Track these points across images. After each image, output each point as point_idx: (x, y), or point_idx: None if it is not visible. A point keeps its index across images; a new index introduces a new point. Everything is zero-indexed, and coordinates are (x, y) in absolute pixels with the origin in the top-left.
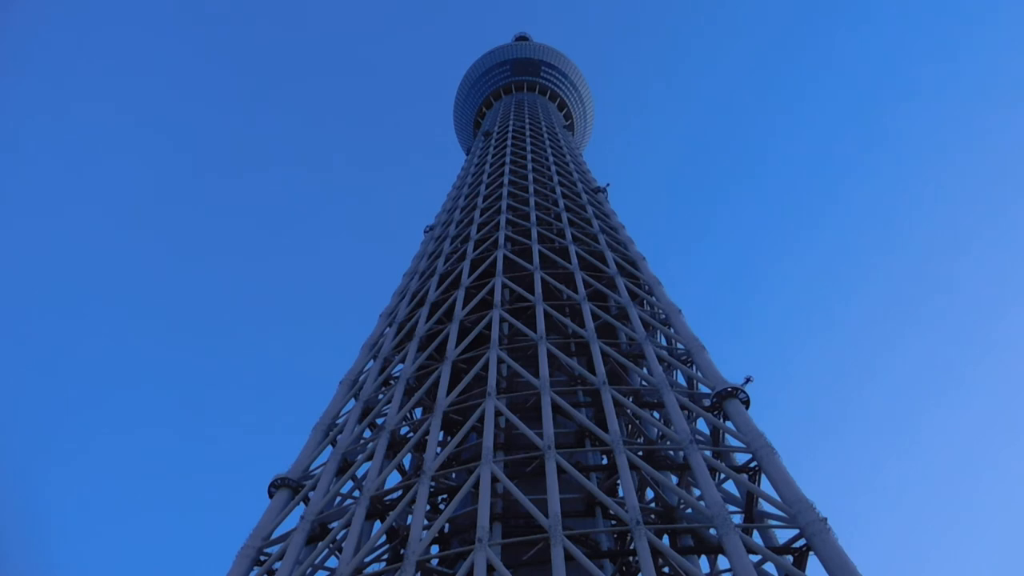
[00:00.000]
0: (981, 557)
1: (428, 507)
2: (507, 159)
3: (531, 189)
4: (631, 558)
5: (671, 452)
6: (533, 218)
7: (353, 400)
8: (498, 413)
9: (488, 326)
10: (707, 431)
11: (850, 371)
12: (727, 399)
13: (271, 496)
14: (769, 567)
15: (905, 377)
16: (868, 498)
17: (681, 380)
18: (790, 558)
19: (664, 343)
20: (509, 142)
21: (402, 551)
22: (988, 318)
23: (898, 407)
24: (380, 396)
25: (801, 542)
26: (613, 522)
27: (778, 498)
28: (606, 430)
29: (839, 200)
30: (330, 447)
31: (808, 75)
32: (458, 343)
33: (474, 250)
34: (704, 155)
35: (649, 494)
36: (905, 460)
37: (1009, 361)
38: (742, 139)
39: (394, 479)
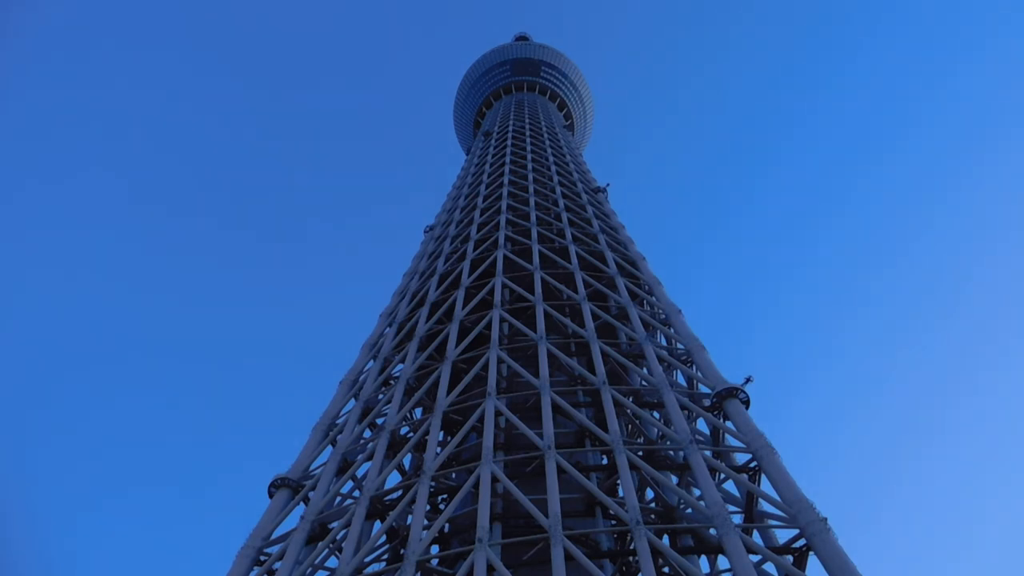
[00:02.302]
0: (984, 560)
1: (428, 507)
2: (507, 159)
3: (531, 189)
4: (631, 558)
5: (671, 452)
6: (533, 218)
7: (353, 400)
8: (498, 413)
9: (488, 326)
10: (707, 431)
11: (860, 372)
12: (727, 399)
13: (271, 496)
14: (769, 567)
15: (912, 379)
16: (871, 498)
17: (681, 380)
18: (790, 558)
19: (664, 343)
20: (509, 142)
21: (402, 551)
22: (1002, 321)
23: (906, 408)
24: (380, 396)
25: (801, 542)
26: (613, 522)
27: (778, 498)
28: (606, 430)
29: (847, 199)
30: (330, 447)
31: (815, 73)
32: (458, 343)
33: (474, 250)
34: (707, 154)
35: (649, 494)
36: (913, 461)
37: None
38: (745, 137)
39: (394, 479)
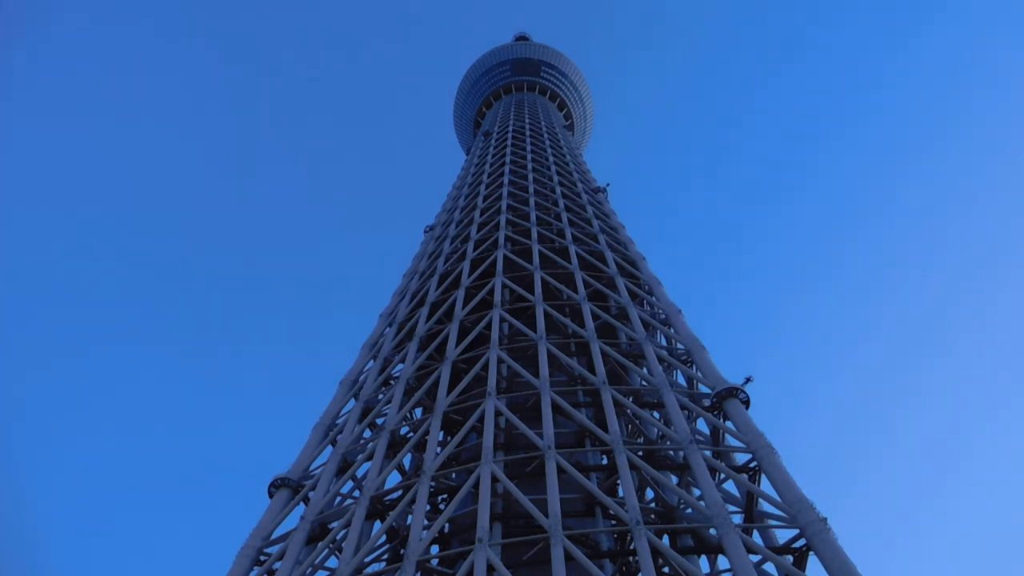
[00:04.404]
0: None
1: (428, 507)
2: (507, 159)
3: (531, 189)
4: (631, 558)
5: (671, 452)
6: (533, 218)
7: (353, 400)
8: (498, 413)
9: (488, 326)
10: (707, 431)
11: (863, 373)
12: (727, 399)
13: (271, 496)
14: (769, 567)
15: (915, 378)
16: (874, 498)
17: (681, 380)
18: (790, 558)
19: (664, 343)
20: (509, 142)
21: (402, 551)
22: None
23: (908, 408)
24: (380, 396)
25: (801, 542)
26: (613, 522)
27: (778, 498)
28: (606, 430)
29: (855, 199)
30: (330, 447)
31: (821, 76)
32: (458, 343)
33: (474, 250)
34: (708, 153)
35: (649, 494)
36: (922, 463)
37: (980, 362)
38: (745, 137)
39: (394, 479)
